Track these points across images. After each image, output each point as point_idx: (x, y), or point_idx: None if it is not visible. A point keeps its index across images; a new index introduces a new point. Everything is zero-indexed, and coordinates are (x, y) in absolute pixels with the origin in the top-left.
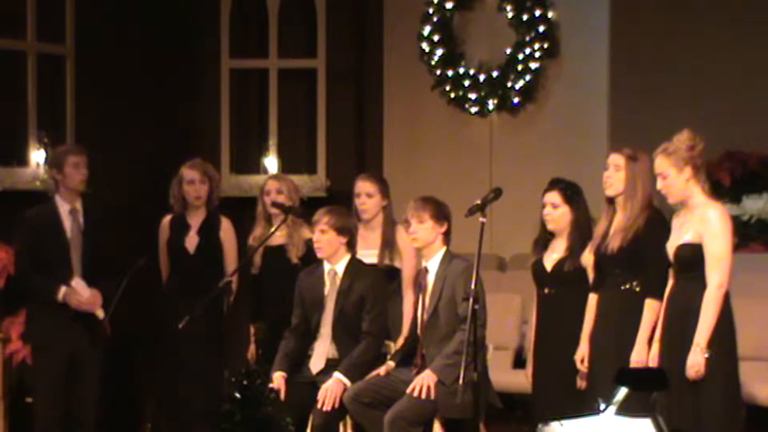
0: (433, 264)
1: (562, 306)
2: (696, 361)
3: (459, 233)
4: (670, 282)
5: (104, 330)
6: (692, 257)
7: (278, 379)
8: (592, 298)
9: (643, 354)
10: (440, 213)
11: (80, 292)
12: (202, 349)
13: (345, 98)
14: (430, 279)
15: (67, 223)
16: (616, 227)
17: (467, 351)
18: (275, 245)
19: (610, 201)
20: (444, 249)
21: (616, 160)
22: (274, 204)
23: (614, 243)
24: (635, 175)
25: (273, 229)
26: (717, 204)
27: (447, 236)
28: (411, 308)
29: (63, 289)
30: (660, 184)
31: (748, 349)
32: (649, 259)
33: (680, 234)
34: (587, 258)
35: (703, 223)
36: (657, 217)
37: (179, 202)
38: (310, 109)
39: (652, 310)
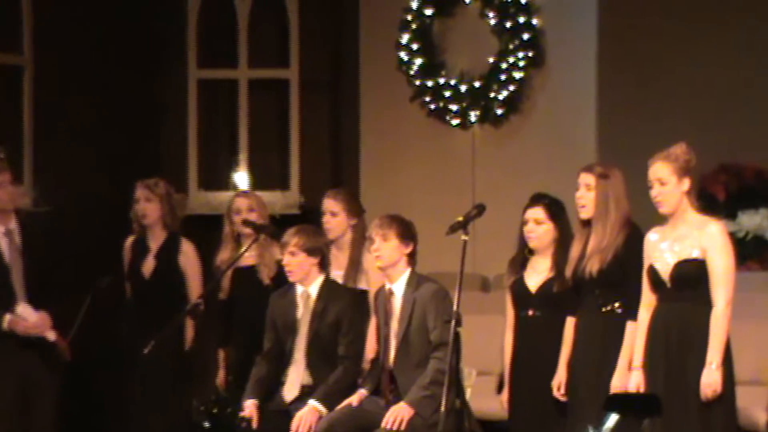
0: (398, 287)
1: (547, 330)
2: (713, 380)
3: (439, 251)
4: (653, 301)
5: (61, 353)
6: (695, 274)
7: (250, 407)
8: (570, 322)
9: (625, 379)
10: (407, 232)
11: (27, 317)
12: (167, 376)
13: (319, 110)
14: (397, 303)
15: (3, 245)
16: (591, 248)
17: (450, 376)
18: (245, 266)
19: (584, 222)
20: (409, 271)
21: (587, 179)
22: (246, 222)
23: (593, 265)
24: (607, 194)
25: (244, 249)
26: (716, 219)
27: (412, 258)
28: (373, 330)
29: (7, 318)
30: (655, 191)
31: (745, 373)
32: (632, 280)
33: (674, 250)
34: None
35: (706, 239)
36: (637, 234)
37: (136, 222)
38: (282, 122)
39: (634, 333)
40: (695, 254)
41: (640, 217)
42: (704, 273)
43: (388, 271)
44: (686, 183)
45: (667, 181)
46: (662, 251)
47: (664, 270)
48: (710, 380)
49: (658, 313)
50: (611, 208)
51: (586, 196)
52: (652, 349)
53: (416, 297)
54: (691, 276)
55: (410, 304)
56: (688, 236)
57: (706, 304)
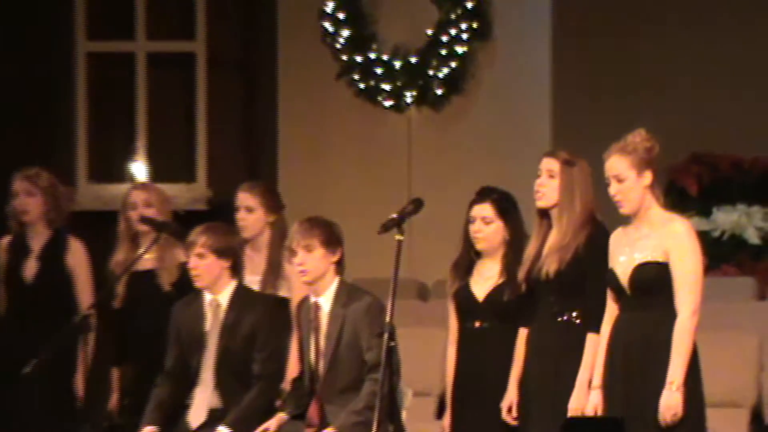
0: (325, 300)
1: (495, 344)
2: (673, 402)
3: (370, 254)
4: (614, 311)
5: None
6: (656, 279)
7: None
8: (522, 333)
9: (583, 400)
10: (332, 237)
11: None
12: (49, 399)
13: (231, 90)
14: (324, 318)
15: None
16: (550, 246)
17: (383, 397)
18: (143, 270)
19: (543, 214)
20: (337, 281)
21: (550, 165)
22: (144, 219)
23: (549, 265)
24: (572, 183)
25: (143, 251)
26: (682, 217)
27: (340, 265)
28: (296, 347)
29: None
30: (613, 189)
31: (720, 394)
32: (592, 285)
33: (634, 252)
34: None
35: (670, 238)
36: (600, 233)
37: (14, 219)
38: (187, 104)
39: (595, 346)
40: (656, 256)
41: (603, 217)
42: (666, 278)
43: (314, 285)
44: (647, 176)
45: (625, 176)
46: (622, 253)
47: (623, 275)
48: (670, 402)
49: (618, 324)
50: (576, 200)
51: (547, 184)
52: (611, 366)
53: (347, 312)
54: (651, 281)
55: (340, 320)
56: (650, 236)
57: (669, 314)
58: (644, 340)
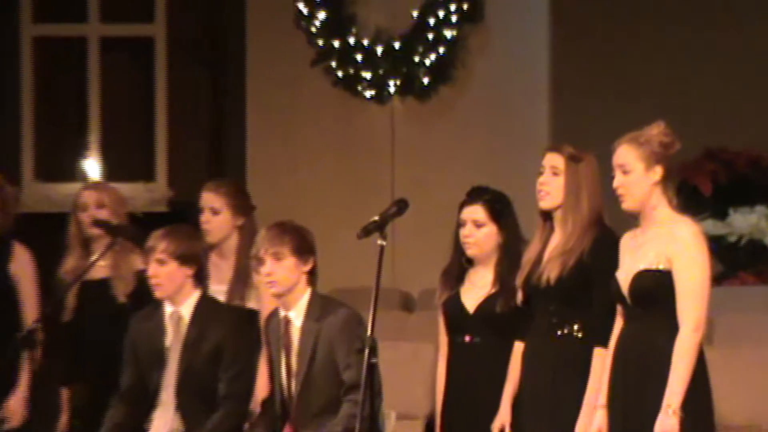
0: (296, 314)
1: (488, 360)
2: (668, 427)
3: (349, 261)
4: (619, 324)
5: None
6: (656, 288)
7: None
8: (518, 348)
9: (590, 422)
10: (304, 245)
11: None
12: None
13: (194, 78)
14: (295, 334)
15: None
16: (552, 250)
17: (362, 423)
18: (95, 279)
19: (546, 216)
20: (309, 292)
21: (554, 161)
22: (97, 222)
23: (550, 271)
24: (579, 182)
25: (96, 257)
26: (690, 220)
27: (313, 275)
28: (265, 365)
29: None
30: (617, 180)
31: (737, 415)
32: (597, 294)
33: (637, 257)
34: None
35: (673, 243)
36: (607, 237)
37: None
38: (145, 94)
39: (603, 362)
40: (659, 263)
41: (612, 219)
42: (668, 287)
43: (284, 297)
44: (657, 172)
45: (631, 168)
46: (625, 258)
47: (625, 282)
48: (665, 428)
49: (620, 337)
50: (583, 200)
51: (551, 182)
52: (612, 384)
53: (321, 327)
54: (650, 290)
55: (313, 336)
56: (654, 241)
57: (669, 328)
58: (642, 356)
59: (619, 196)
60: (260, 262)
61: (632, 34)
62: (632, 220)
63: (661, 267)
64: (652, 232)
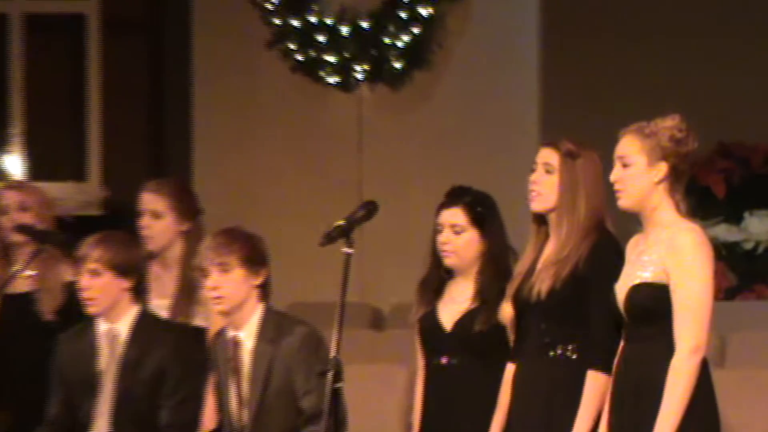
0: (247, 334)
1: (467, 385)
2: None
3: (309, 273)
4: (621, 344)
5: None
6: (653, 304)
7: None
8: (509, 371)
9: None
10: (255, 255)
11: None
12: None
13: (131, 62)
14: (245, 357)
15: None
16: (547, 257)
17: None
18: (18, 293)
19: (540, 221)
20: (261, 309)
21: (548, 157)
22: (20, 227)
23: (542, 283)
24: (575, 181)
25: (18, 268)
26: (693, 225)
27: (265, 289)
28: (212, 391)
29: None
30: (615, 174)
31: None
32: (594, 309)
33: (636, 268)
34: (505, 309)
35: (671, 252)
36: (607, 243)
37: None
38: (76, 80)
39: (596, 388)
40: (656, 275)
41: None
42: (666, 303)
43: (231, 315)
44: (661, 169)
45: (631, 161)
46: (626, 269)
47: (621, 296)
48: None
49: (619, 360)
50: (580, 202)
51: (543, 181)
52: (611, 408)
53: (276, 348)
54: (647, 307)
55: (266, 359)
56: (654, 249)
57: (670, 351)
58: (639, 383)
59: (616, 191)
60: (205, 274)
61: (640, 11)
62: (641, 225)
63: (658, 280)
64: (653, 238)
